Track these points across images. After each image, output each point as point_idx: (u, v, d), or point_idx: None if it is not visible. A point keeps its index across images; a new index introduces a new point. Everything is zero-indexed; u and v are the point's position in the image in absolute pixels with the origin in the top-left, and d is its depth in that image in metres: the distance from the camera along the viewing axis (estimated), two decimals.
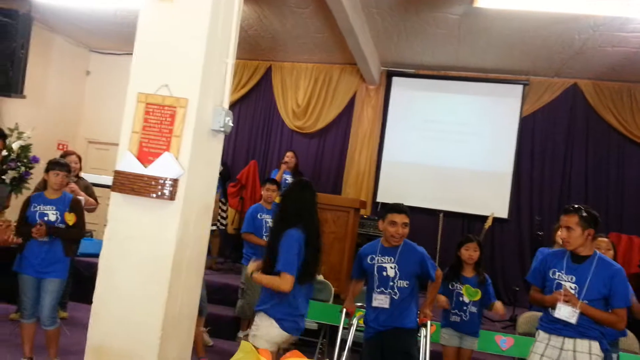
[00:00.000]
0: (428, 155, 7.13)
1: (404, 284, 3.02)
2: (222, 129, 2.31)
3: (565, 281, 2.73)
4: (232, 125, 2.34)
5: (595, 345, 2.65)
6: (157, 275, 2.22)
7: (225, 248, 7.10)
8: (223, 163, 6.15)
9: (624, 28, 5.05)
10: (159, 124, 2.28)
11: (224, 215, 6.29)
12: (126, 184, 2.25)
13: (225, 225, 6.41)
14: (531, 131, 6.91)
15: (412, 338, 3.03)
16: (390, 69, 7.33)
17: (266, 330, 2.64)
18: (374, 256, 3.12)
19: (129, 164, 2.26)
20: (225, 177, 6.18)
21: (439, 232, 6.74)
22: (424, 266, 3.04)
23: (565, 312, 2.64)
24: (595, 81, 6.65)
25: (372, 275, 3.09)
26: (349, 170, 7.38)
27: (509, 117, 6.90)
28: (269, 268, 2.63)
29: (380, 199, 7.17)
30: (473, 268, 3.66)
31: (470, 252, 3.65)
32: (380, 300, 3.02)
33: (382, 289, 3.04)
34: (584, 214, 2.71)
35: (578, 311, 2.62)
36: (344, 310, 3.31)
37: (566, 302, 2.65)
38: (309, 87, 7.50)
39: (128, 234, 2.27)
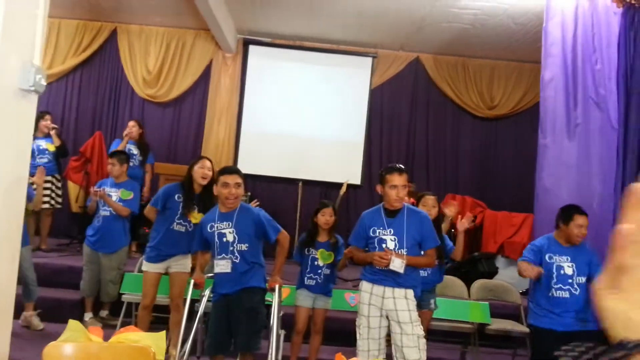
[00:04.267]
0: (286, 125, 7.20)
1: (243, 247, 3.04)
2: (33, 88, 2.03)
3: (386, 235, 3.00)
4: (44, 84, 2.08)
5: (410, 292, 3.01)
6: None
7: (72, 228, 6.53)
8: (60, 137, 5.61)
9: (456, 4, 5.50)
10: None
11: (58, 192, 5.70)
12: None
13: (62, 204, 5.85)
14: (380, 102, 7.32)
15: (257, 295, 3.07)
16: (246, 37, 7.19)
17: None
18: (213, 224, 3.08)
19: None
20: (62, 152, 5.59)
21: (299, 200, 6.92)
22: (261, 226, 3.06)
23: (397, 264, 2.92)
24: (435, 55, 7.22)
25: (214, 242, 3.06)
26: (208, 141, 7.17)
27: (360, 88, 7.23)
28: None
29: (240, 169, 7.09)
30: (327, 232, 3.80)
31: (326, 217, 3.77)
32: (222, 266, 3.02)
33: (223, 254, 3.03)
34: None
35: (404, 262, 2.92)
36: (192, 281, 3.24)
37: (397, 257, 2.93)
38: (161, 52, 7.07)
39: None
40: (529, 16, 5.65)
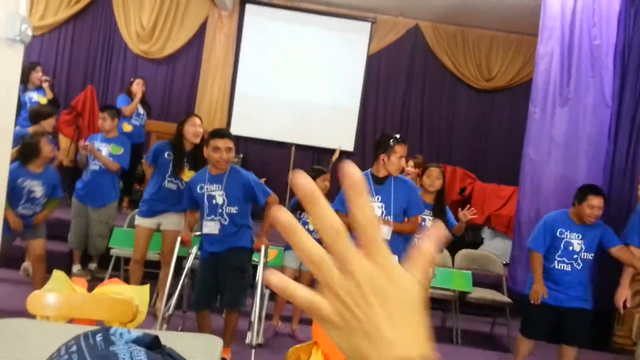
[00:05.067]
0: (281, 87, 7.13)
1: (232, 209, 3.06)
2: (19, 38, 2.01)
3: (373, 202, 3.03)
4: (30, 34, 2.05)
5: (394, 258, 3.05)
6: None
7: (62, 182, 6.52)
8: (53, 90, 5.54)
9: None
10: None
11: None
12: None
13: (53, 157, 5.83)
14: (377, 69, 7.24)
15: (244, 255, 3.13)
16: None
17: None
18: (202, 185, 3.09)
19: None
20: (55, 106, 5.53)
21: (291, 164, 6.91)
22: (250, 189, 3.08)
23: (384, 231, 2.96)
24: (435, 23, 7.11)
25: (203, 203, 3.08)
26: (201, 101, 7.11)
27: (357, 53, 7.13)
28: None
29: (233, 131, 7.07)
30: None
31: (325, 183, 3.81)
32: (210, 227, 3.04)
33: (212, 216, 3.06)
34: None
35: (391, 229, 2.98)
36: (179, 238, 3.28)
37: (383, 224, 2.97)
38: (155, 7, 6.91)
39: None
40: None
